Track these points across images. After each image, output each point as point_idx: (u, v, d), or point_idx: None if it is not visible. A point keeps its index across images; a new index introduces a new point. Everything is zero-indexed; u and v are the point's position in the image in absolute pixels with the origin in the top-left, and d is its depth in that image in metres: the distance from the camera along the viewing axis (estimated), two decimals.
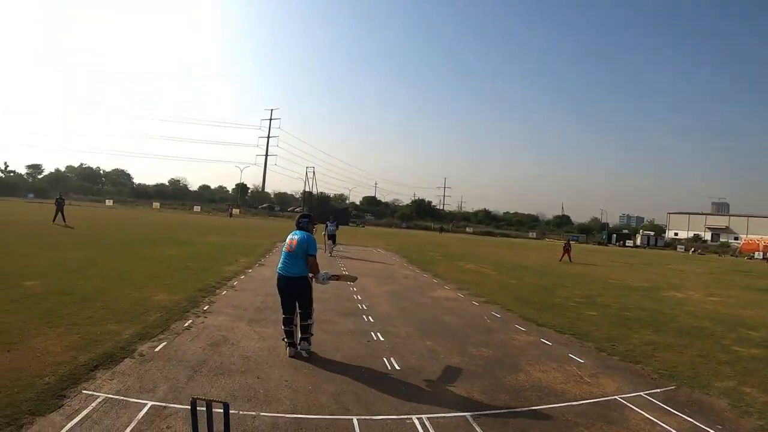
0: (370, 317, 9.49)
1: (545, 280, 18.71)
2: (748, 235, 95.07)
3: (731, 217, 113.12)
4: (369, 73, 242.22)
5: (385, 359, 6.77)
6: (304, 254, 6.99)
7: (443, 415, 5.02)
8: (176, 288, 11.00)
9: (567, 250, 31.46)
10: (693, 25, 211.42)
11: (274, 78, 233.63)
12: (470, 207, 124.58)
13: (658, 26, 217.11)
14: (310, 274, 7.07)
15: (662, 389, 6.54)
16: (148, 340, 6.89)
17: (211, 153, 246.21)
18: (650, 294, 17.08)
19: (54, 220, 28.05)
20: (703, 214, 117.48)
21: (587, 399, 5.87)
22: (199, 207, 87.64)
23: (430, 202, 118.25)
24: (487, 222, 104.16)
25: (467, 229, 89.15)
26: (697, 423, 5.41)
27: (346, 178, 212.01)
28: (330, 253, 23.53)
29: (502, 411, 5.27)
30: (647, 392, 6.33)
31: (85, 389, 5.01)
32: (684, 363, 8.00)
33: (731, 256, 74.90)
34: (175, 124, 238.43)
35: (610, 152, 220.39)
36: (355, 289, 12.40)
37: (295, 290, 6.98)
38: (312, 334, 7.02)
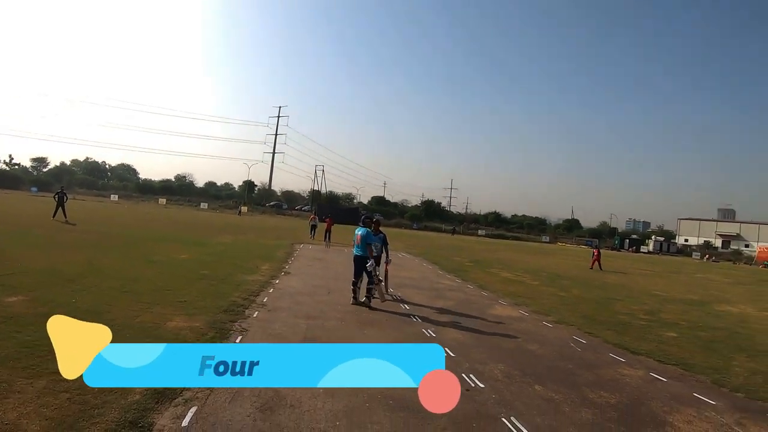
0: (447, 349, 7.90)
1: (594, 293, 17.50)
2: (759, 243, 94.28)
3: (741, 224, 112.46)
4: (379, 74, 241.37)
5: (505, 420, 5.33)
6: (364, 243, 11.34)
7: None
8: (194, 307, 9.19)
9: (597, 257, 30.58)
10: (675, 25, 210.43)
11: (284, 76, 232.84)
12: (476, 208, 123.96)
13: (658, 33, 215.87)
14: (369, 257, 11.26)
15: None
16: (170, 403, 4.92)
17: (218, 149, 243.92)
18: (705, 309, 16.12)
19: (54, 216, 26.51)
20: (714, 220, 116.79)
21: None
22: (206, 204, 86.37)
23: (439, 204, 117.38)
24: (497, 224, 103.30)
25: (479, 232, 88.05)
26: None
27: (355, 178, 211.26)
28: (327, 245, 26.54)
29: None
30: None
31: None
32: None
33: (745, 264, 73.58)
34: (182, 120, 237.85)
35: (614, 155, 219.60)
36: (407, 307, 11.22)
37: (360, 264, 11.35)
38: (374, 296, 11.31)
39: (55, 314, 7.07)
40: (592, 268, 29.24)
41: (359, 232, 11.46)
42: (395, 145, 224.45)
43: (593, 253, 31.89)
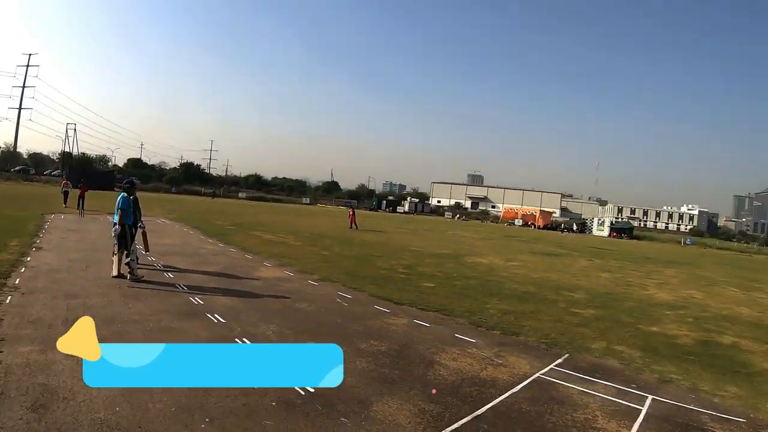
0: (217, 315, 7.63)
1: (355, 250, 18.30)
2: (504, 204, 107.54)
3: (489, 189, 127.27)
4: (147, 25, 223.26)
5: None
6: (123, 209, 9.95)
7: None
8: None
9: (352, 217, 32.00)
10: None
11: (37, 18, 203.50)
12: (238, 171, 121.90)
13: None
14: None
15: (562, 359, 7.00)
16: None
17: None
18: (460, 260, 17.89)
19: None
20: (464, 184, 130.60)
21: (519, 383, 5.87)
22: None
23: (198, 166, 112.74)
24: (258, 187, 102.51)
25: (240, 195, 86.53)
26: (617, 386, 6.07)
27: (110, 139, 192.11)
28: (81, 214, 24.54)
29: (469, 419, 4.69)
30: (555, 365, 6.67)
31: None
32: (550, 330, 8.63)
33: (492, 222, 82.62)
34: None
35: (374, 121, 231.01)
36: (171, 276, 10.48)
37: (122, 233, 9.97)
38: (134, 268, 9.89)
39: None
40: (350, 228, 30.56)
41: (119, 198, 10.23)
42: (154, 104, 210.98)
43: (349, 213, 33.28)
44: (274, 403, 4.61)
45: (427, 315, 8.74)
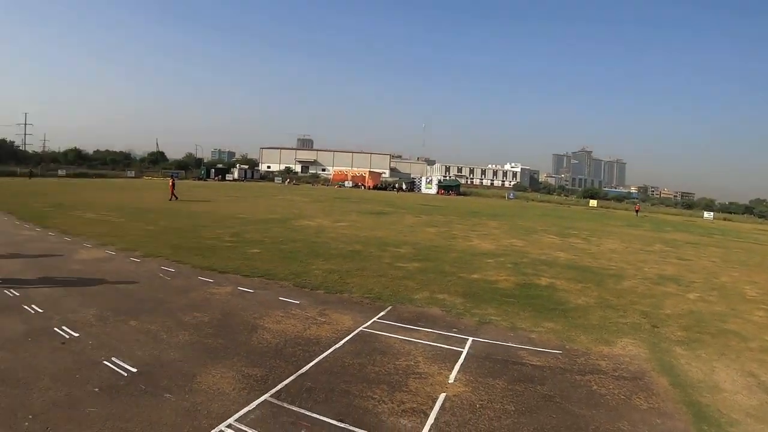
0: (34, 306, 7.12)
1: (181, 222, 17.68)
2: (334, 167, 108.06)
3: (318, 152, 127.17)
4: None
5: (107, 362, 5.13)
6: None
7: (247, 410, 4.28)
8: None
9: (172, 188, 30.62)
10: None
11: None
12: (56, 146, 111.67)
13: None
14: None
15: (385, 311, 7.50)
16: None
17: None
18: (287, 224, 17.94)
19: None
20: (294, 149, 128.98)
21: (343, 338, 6.20)
22: None
23: (12, 143, 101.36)
24: (79, 162, 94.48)
25: (59, 172, 79.32)
26: (439, 332, 6.65)
27: None
28: None
29: (293, 378, 4.96)
30: (378, 318, 7.15)
31: None
32: (374, 285, 9.17)
33: (323, 185, 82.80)
34: None
35: (198, 85, 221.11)
36: None
37: None
38: None
39: None
40: (170, 199, 29.08)
41: None
42: None
43: (170, 183, 31.69)
44: (96, 389, 4.54)
45: (252, 281, 8.87)
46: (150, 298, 7.63)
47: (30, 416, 4.11)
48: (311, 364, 5.27)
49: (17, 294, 7.85)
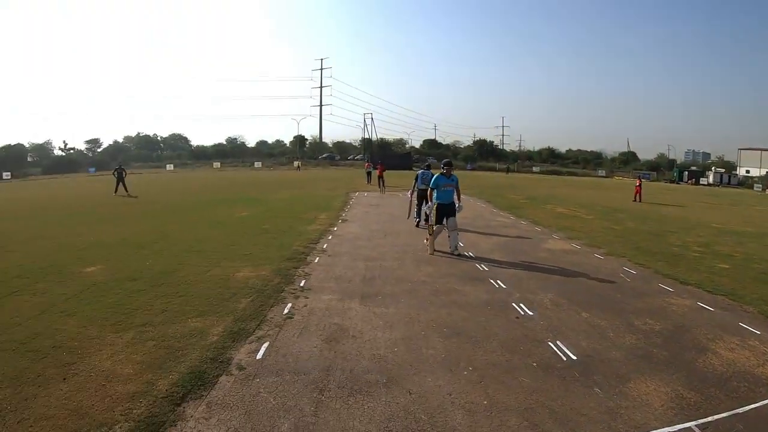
0: (498, 281, 8.30)
1: (649, 226, 17.11)
2: None
3: None
4: (415, 17, 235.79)
5: (551, 344, 5.57)
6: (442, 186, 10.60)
7: (668, 430, 4.03)
8: (259, 258, 9.76)
9: (639, 189, 29.14)
10: None
11: (323, 28, 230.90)
12: (531, 146, 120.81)
13: None
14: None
15: None
16: (245, 341, 5.46)
17: (265, 108, 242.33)
18: (762, 241, 15.54)
19: (116, 192, 27.10)
20: None
21: None
22: (259, 162, 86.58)
23: (491, 142, 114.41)
24: (552, 161, 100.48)
25: (533, 169, 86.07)
26: None
27: (404, 123, 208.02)
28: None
29: (727, 415, 4.31)
30: None
31: None
32: None
33: None
34: (224, 84, 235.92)
35: (673, 84, 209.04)
36: (461, 243, 11.21)
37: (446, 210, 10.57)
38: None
39: (132, 278, 8.13)
40: (634, 201, 27.94)
41: (440, 179, 10.77)
42: (442, 86, 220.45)
43: (636, 184, 30.08)
44: (534, 364, 5.00)
45: (714, 298, 7.96)
46: (605, 295, 7.76)
47: (470, 368, 4.87)
48: (752, 406, 4.49)
49: (486, 269, 9.19)
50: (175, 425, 3.78)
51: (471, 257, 10.25)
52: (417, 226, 13.91)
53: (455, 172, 11.11)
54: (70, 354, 5.07)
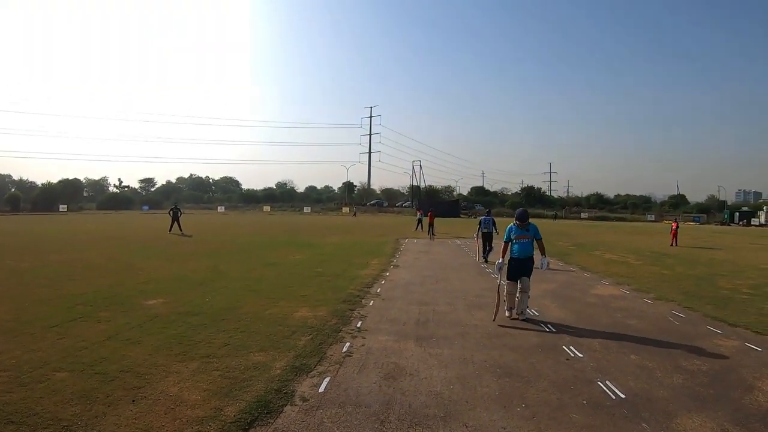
0: (549, 325, 8.50)
1: (698, 270, 16.81)
2: None
3: None
4: (465, 64, 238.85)
5: (600, 383, 5.73)
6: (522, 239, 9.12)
7: None
8: (316, 300, 10.11)
9: (675, 231, 28.05)
10: None
11: (372, 75, 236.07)
12: (578, 191, 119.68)
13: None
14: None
15: None
16: (306, 375, 5.71)
17: (314, 155, 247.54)
18: None
19: (170, 230, 28.40)
20: None
21: None
22: (308, 208, 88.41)
23: (539, 189, 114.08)
24: (600, 206, 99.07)
25: (582, 215, 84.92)
26: None
27: (452, 170, 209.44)
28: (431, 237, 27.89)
29: None
30: None
31: None
32: None
33: None
34: (273, 130, 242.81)
35: (722, 124, 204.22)
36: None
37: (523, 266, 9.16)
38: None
39: (194, 313, 8.76)
40: (671, 245, 27.01)
41: (512, 229, 9.13)
42: (491, 133, 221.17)
43: (672, 227, 28.91)
44: (584, 402, 5.18)
45: (763, 339, 7.89)
46: (654, 338, 7.81)
47: (523, 404, 5.07)
48: None
49: (537, 313, 9.34)
50: None
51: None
52: (486, 262, 16.70)
53: (534, 221, 9.97)
54: (138, 378, 5.40)
